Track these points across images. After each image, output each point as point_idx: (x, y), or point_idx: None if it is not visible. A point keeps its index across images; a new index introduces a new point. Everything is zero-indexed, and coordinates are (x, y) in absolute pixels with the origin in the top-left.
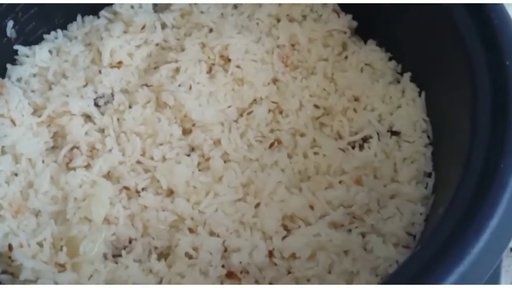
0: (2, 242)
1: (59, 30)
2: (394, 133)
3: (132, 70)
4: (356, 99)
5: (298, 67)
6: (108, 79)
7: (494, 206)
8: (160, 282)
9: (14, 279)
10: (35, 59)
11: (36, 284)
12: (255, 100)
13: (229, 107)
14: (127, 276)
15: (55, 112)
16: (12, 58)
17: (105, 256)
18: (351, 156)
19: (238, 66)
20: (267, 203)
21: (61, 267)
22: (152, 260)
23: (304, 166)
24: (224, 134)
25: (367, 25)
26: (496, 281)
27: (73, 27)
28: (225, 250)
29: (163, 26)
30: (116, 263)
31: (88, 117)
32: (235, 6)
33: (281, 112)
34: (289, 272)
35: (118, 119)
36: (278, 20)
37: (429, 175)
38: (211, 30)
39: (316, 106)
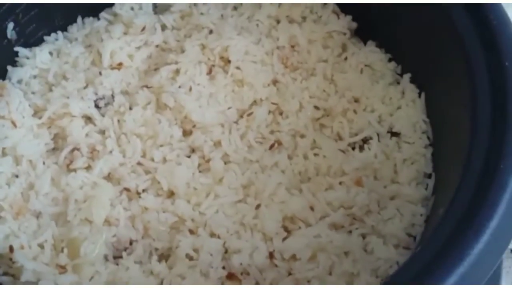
0: (3, 244)
1: (59, 32)
2: (394, 134)
3: (132, 71)
4: (356, 100)
5: (298, 68)
6: (109, 80)
7: (494, 207)
8: (160, 283)
9: (15, 280)
10: (36, 60)
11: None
12: (255, 101)
13: (229, 108)
14: (128, 278)
15: (56, 113)
16: (12, 59)
17: (105, 258)
18: (351, 157)
19: (238, 68)
20: (268, 205)
21: (62, 268)
22: (153, 261)
23: (304, 167)
24: (224, 135)
25: (367, 26)
26: (497, 282)
27: (73, 29)
28: (226, 252)
29: (163, 27)
30: (117, 264)
31: (88, 119)
32: (235, 7)
33: (281, 113)
34: (289, 274)
35: (118, 121)
36: (278, 22)
37: (429, 176)
38: (211, 32)
39: (316, 107)
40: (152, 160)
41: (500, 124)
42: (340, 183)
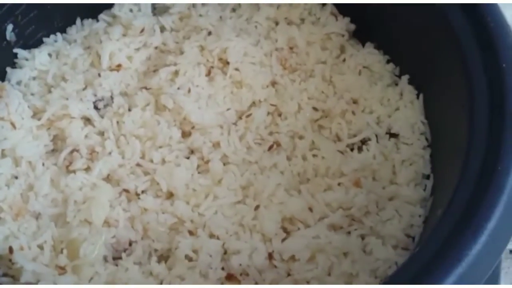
0: (2, 245)
1: (58, 34)
2: (393, 135)
3: (131, 73)
4: (355, 102)
5: (297, 70)
6: (108, 82)
7: (492, 208)
8: (160, 284)
9: (15, 281)
10: (35, 62)
11: None
12: (254, 102)
13: (228, 109)
14: (127, 279)
15: (55, 115)
16: (11, 61)
17: (105, 259)
18: (350, 158)
19: (237, 69)
20: (267, 206)
21: (62, 269)
22: (152, 262)
23: (303, 168)
24: (223, 136)
25: (365, 28)
26: (495, 283)
27: (72, 31)
28: (225, 253)
29: (162, 29)
30: (116, 265)
31: (87, 120)
32: (234, 9)
33: (280, 115)
34: (288, 274)
35: (117, 122)
36: (277, 23)
37: (428, 177)
38: (210, 33)
39: (315, 109)
40: (151, 161)
41: (497, 125)
42: (339, 184)
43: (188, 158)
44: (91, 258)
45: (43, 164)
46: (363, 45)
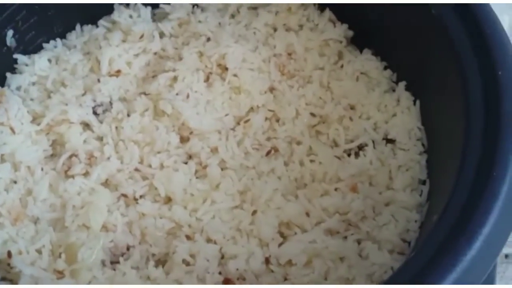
0: (1, 249)
1: (58, 39)
2: (389, 141)
3: (130, 78)
4: (352, 108)
5: (295, 76)
6: (107, 87)
7: (487, 214)
8: None
9: (13, 286)
10: (35, 67)
11: None
12: (252, 108)
13: (226, 115)
14: (125, 283)
15: (54, 120)
16: (11, 66)
17: (103, 263)
18: (347, 164)
19: (235, 75)
20: (264, 210)
21: (60, 274)
22: (150, 267)
23: (300, 173)
24: (221, 142)
25: (363, 34)
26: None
27: (72, 36)
28: (222, 257)
29: (161, 35)
30: (114, 270)
31: (86, 125)
32: (233, 15)
33: (277, 120)
34: (285, 279)
35: (116, 127)
36: (275, 30)
37: (424, 182)
38: (208, 39)
39: (312, 114)
40: (150, 166)
41: (493, 132)
42: (336, 189)
43: (186, 163)
44: (89, 263)
45: (42, 169)
46: (361, 52)
